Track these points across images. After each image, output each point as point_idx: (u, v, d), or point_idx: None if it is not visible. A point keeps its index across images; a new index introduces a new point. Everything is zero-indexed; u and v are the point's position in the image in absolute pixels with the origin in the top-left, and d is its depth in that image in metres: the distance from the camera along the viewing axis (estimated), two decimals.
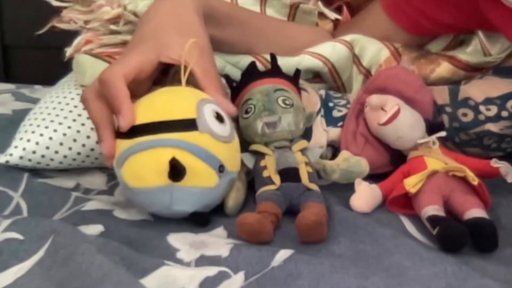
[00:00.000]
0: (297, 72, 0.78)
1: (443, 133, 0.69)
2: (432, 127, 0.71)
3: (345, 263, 0.55)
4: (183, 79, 0.65)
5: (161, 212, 0.65)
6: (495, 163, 0.68)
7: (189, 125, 0.62)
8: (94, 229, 0.64)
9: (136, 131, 0.62)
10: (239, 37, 0.83)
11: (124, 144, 0.63)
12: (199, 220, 0.65)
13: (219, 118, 0.64)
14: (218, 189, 0.65)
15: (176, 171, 0.61)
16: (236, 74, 0.88)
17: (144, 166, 0.62)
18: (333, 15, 0.93)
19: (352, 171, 0.70)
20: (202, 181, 0.63)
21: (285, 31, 0.89)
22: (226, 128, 0.65)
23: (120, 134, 0.63)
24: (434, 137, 0.69)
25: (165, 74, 0.70)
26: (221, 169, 0.63)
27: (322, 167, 0.71)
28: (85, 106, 0.66)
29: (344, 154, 0.72)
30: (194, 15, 0.72)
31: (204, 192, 0.64)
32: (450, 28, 0.89)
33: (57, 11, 0.91)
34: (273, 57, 0.77)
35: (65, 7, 0.91)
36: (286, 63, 0.84)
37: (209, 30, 0.73)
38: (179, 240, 0.61)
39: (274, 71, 0.77)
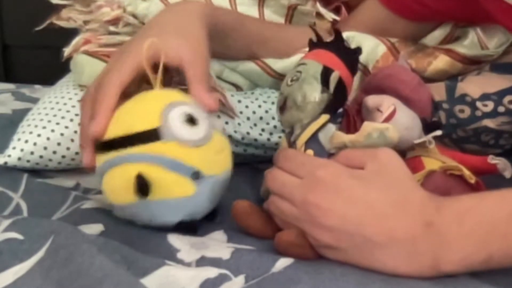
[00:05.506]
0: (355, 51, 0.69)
1: (438, 132, 0.69)
2: (428, 127, 0.71)
3: (345, 271, 0.55)
4: (156, 81, 0.64)
5: (148, 224, 0.64)
6: (492, 159, 0.68)
7: (151, 136, 0.60)
8: (94, 228, 0.64)
9: (107, 146, 0.62)
10: (242, 46, 0.83)
11: (100, 159, 0.63)
12: (186, 229, 0.63)
13: (191, 120, 0.61)
14: (199, 196, 0.62)
15: (142, 186, 0.60)
16: (235, 78, 0.88)
17: (115, 184, 0.62)
18: (330, 16, 0.93)
19: (376, 146, 0.62)
20: (175, 192, 0.61)
21: (287, 37, 0.88)
22: (199, 131, 0.62)
23: (97, 148, 0.63)
24: (430, 136, 0.69)
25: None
26: (195, 175, 0.61)
27: (342, 144, 0.63)
28: (80, 110, 0.67)
29: (366, 128, 0.63)
30: (197, 22, 0.71)
31: (182, 202, 0.61)
32: (448, 16, 0.89)
33: (57, 10, 0.92)
34: (337, 31, 0.70)
35: (64, 6, 0.92)
36: (285, 64, 0.84)
37: (214, 42, 0.73)
38: (180, 240, 0.61)
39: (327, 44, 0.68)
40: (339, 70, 0.65)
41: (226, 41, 0.79)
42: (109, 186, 0.63)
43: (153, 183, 0.60)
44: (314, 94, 0.63)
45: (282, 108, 0.65)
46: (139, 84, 0.67)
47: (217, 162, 0.64)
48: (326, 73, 0.64)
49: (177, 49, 0.67)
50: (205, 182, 0.62)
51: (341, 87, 0.65)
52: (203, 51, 0.70)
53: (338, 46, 0.67)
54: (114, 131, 0.62)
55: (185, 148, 0.60)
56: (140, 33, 0.73)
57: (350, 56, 0.67)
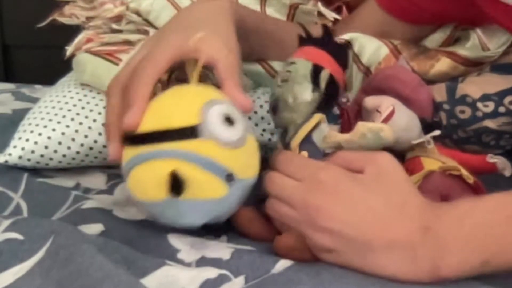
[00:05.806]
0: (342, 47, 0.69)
1: (437, 132, 0.69)
2: (428, 127, 0.71)
3: (345, 273, 0.55)
4: (194, 76, 0.62)
5: (171, 225, 0.61)
6: (491, 158, 0.68)
7: (189, 133, 0.57)
8: (94, 228, 0.64)
9: (140, 139, 0.59)
10: (258, 48, 0.81)
11: (129, 153, 0.60)
12: (210, 232, 0.62)
13: (229, 120, 0.59)
14: (229, 199, 0.60)
15: (176, 184, 0.57)
16: None
17: (145, 179, 0.58)
18: (332, 16, 0.93)
19: (371, 147, 0.62)
20: (208, 193, 0.58)
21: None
22: (236, 132, 0.59)
23: (126, 140, 0.60)
24: (428, 136, 0.69)
25: None
26: (229, 177, 0.58)
27: (337, 144, 0.62)
28: (106, 98, 0.64)
29: (360, 128, 0.62)
30: (226, 18, 0.69)
31: (212, 203, 0.59)
32: (446, 18, 0.89)
33: (57, 9, 0.92)
34: (325, 27, 0.70)
35: (67, 3, 0.92)
36: None
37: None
38: (180, 240, 0.61)
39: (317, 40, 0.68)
40: (329, 67, 0.64)
41: (246, 42, 0.75)
42: (137, 181, 0.59)
43: (187, 182, 0.57)
44: (305, 94, 0.63)
45: (274, 109, 0.65)
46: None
47: (250, 165, 0.62)
48: (316, 72, 0.63)
49: (209, 45, 0.63)
50: (237, 185, 0.59)
51: (332, 84, 0.64)
52: (234, 48, 0.66)
53: (327, 42, 0.66)
54: (148, 125, 0.59)
55: (221, 149, 0.58)
56: (168, 25, 0.69)
57: (340, 52, 0.66)
